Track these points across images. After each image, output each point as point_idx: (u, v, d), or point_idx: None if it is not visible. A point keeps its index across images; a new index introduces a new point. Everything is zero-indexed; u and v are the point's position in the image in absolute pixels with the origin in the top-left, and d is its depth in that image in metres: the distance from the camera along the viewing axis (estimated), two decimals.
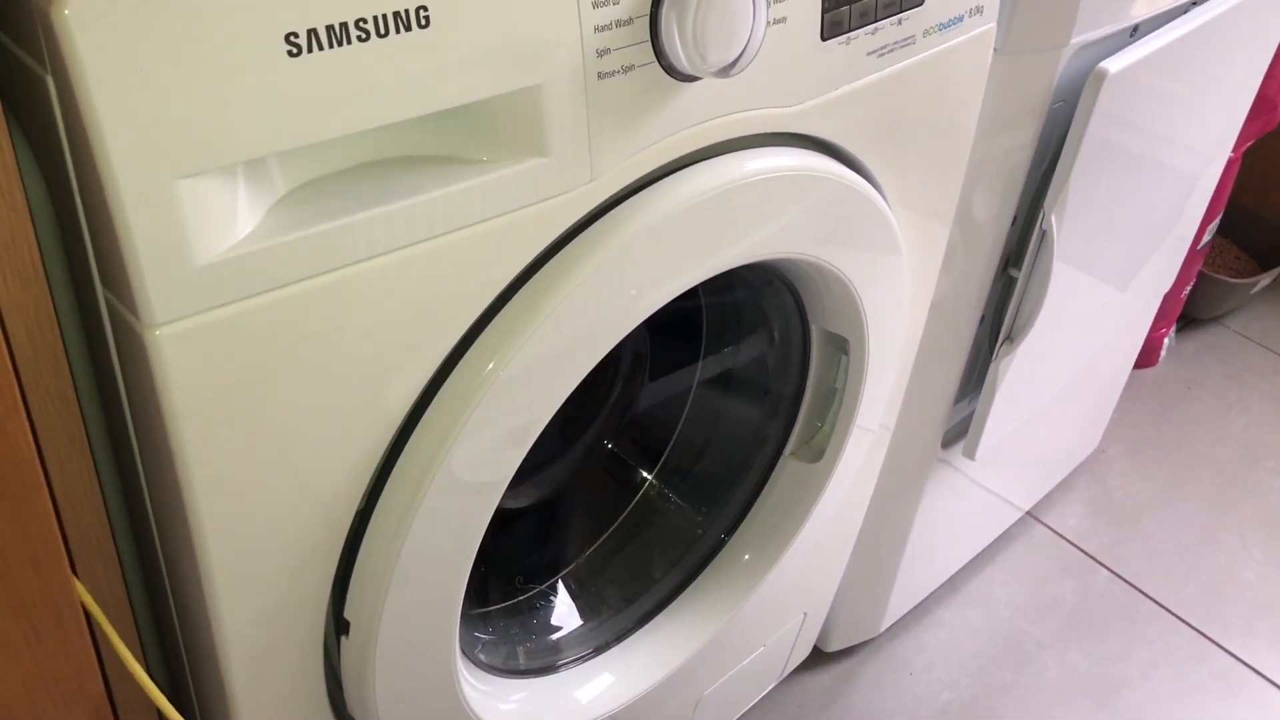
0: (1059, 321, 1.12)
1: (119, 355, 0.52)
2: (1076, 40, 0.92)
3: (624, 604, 0.93)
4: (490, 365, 0.60)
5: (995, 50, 0.89)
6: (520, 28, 0.54)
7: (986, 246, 1.03)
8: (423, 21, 0.51)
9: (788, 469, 0.96)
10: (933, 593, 1.46)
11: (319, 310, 0.53)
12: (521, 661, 0.81)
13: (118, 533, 0.59)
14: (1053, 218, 1.00)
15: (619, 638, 0.89)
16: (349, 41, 0.49)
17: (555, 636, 0.87)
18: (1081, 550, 1.56)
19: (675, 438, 0.96)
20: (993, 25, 0.83)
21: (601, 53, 0.58)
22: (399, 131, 0.55)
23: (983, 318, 1.11)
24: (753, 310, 0.91)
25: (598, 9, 0.57)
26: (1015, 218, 1.04)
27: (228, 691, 0.63)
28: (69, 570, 0.50)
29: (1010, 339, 1.09)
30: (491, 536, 0.89)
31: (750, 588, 0.95)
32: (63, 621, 0.52)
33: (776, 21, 0.66)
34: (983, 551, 1.53)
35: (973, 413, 1.15)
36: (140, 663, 0.58)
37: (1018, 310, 1.08)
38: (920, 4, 0.74)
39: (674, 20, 0.58)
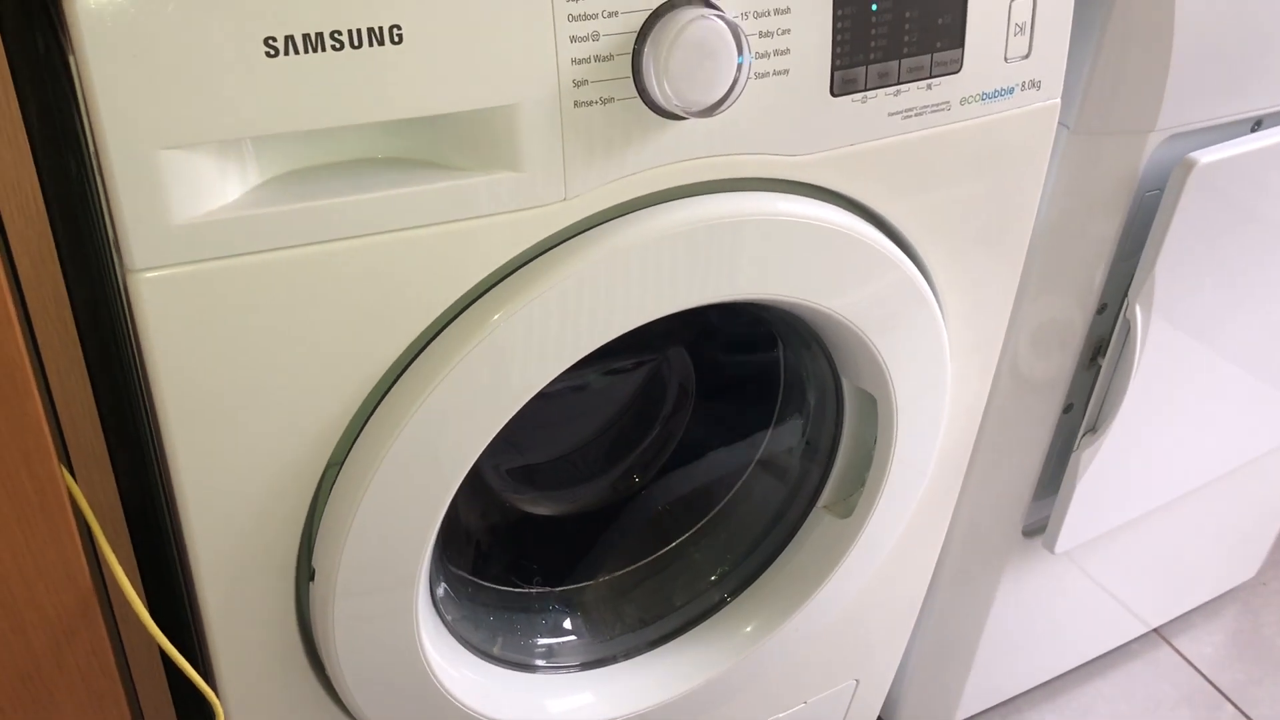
0: (1160, 416, 1.07)
1: (124, 296, 0.62)
2: (1167, 127, 0.89)
3: (639, 624, 0.97)
4: (453, 355, 0.66)
5: (1066, 128, 0.88)
6: (494, 53, 0.60)
7: (1068, 332, 1.01)
8: (396, 38, 0.58)
9: (819, 522, 0.97)
10: (1024, 693, 1.40)
11: (288, 280, 0.61)
12: (497, 650, 0.86)
13: (120, 457, 0.69)
14: (1137, 308, 0.96)
15: (613, 659, 0.93)
16: (323, 49, 0.57)
17: (545, 640, 0.91)
18: (1210, 682, 1.45)
19: (712, 485, 1.00)
20: (1055, 102, 0.83)
21: (579, 83, 0.63)
22: (384, 133, 0.63)
23: (1070, 406, 1.07)
24: (795, 368, 0.93)
25: (576, 43, 0.62)
26: (1104, 305, 1.01)
27: (205, 621, 0.71)
28: (56, 464, 0.60)
29: (1094, 430, 1.06)
30: (519, 536, 0.95)
31: (764, 635, 0.96)
32: (49, 510, 0.61)
33: (778, 73, 0.69)
34: (1093, 661, 1.45)
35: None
36: (126, 568, 0.67)
37: (1102, 401, 1.04)
38: (955, 71, 0.76)
39: (652, 61, 0.63)
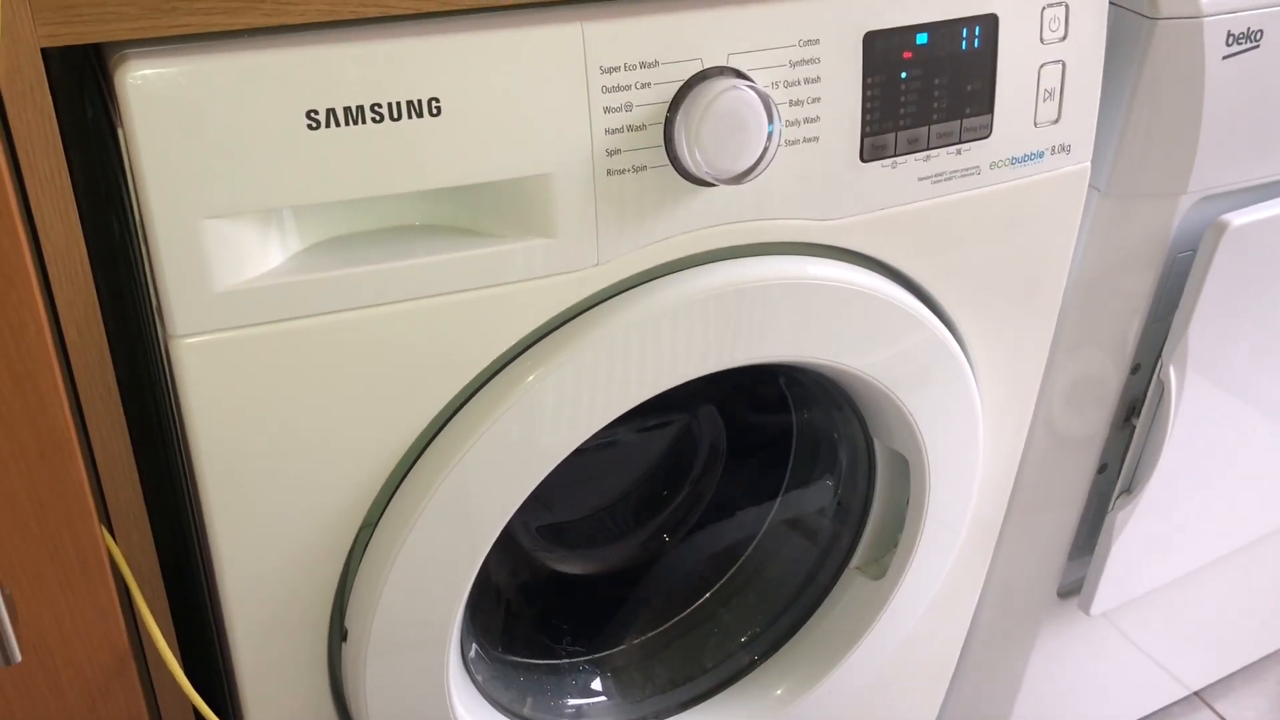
0: (1197, 477, 1.06)
1: (165, 359, 0.63)
2: (1199, 190, 0.90)
3: (669, 686, 0.96)
4: (486, 418, 0.66)
5: (1097, 190, 0.88)
6: (531, 125, 0.62)
7: (1102, 392, 1.00)
8: (434, 110, 0.59)
9: (851, 583, 0.96)
10: None
11: (327, 345, 0.62)
12: (527, 711, 0.86)
13: (160, 520, 0.70)
14: (1171, 370, 0.96)
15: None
16: (364, 122, 0.58)
17: (575, 701, 0.91)
18: None
19: (742, 545, 1.00)
20: (1085, 165, 0.83)
21: (612, 152, 0.64)
22: (421, 200, 0.64)
23: (1104, 466, 1.07)
24: (827, 429, 0.94)
25: (610, 114, 0.64)
26: (1138, 365, 1.00)
27: (238, 677, 0.72)
28: (98, 528, 0.61)
29: (1129, 492, 1.05)
30: (549, 596, 0.95)
31: (796, 698, 0.96)
32: (89, 571, 0.62)
33: (808, 140, 0.70)
34: None
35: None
36: (162, 628, 0.68)
37: (1137, 462, 1.03)
38: (984, 136, 0.76)
39: (684, 131, 0.64)
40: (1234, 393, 1.02)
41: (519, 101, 0.61)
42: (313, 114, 0.57)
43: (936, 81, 0.73)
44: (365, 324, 0.63)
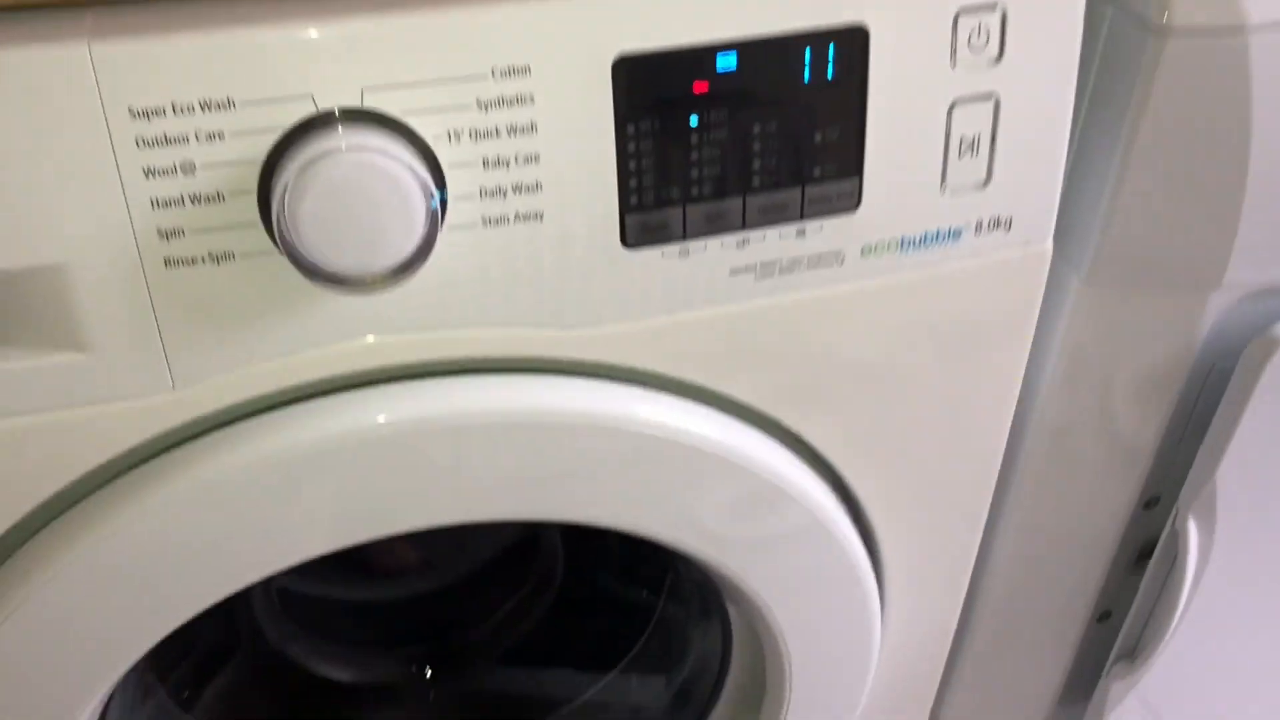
0: (1219, 655, 0.77)
1: None
2: (1240, 283, 0.60)
3: None
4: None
5: (1076, 276, 0.60)
6: (14, 190, 0.40)
7: (1098, 534, 0.73)
8: None
9: None
10: None
11: None
12: None
13: None
14: (1190, 522, 0.67)
15: None
16: None
17: None
18: None
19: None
20: (1043, 248, 0.55)
21: (167, 233, 0.42)
22: None
23: (1106, 614, 0.79)
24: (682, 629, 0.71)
25: (155, 179, 0.41)
26: (1156, 498, 0.72)
27: None
28: None
29: (1130, 658, 0.77)
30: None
31: None
32: None
33: (523, 218, 0.46)
34: None
35: None
36: None
37: (1145, 621, 0.75)
38: (847, 209, 0.50)
39: (280, 209, 0.41)
40: (1275, 554, 0.72)
41: None
42: None
43: (756, 128, 0.47)
44: None
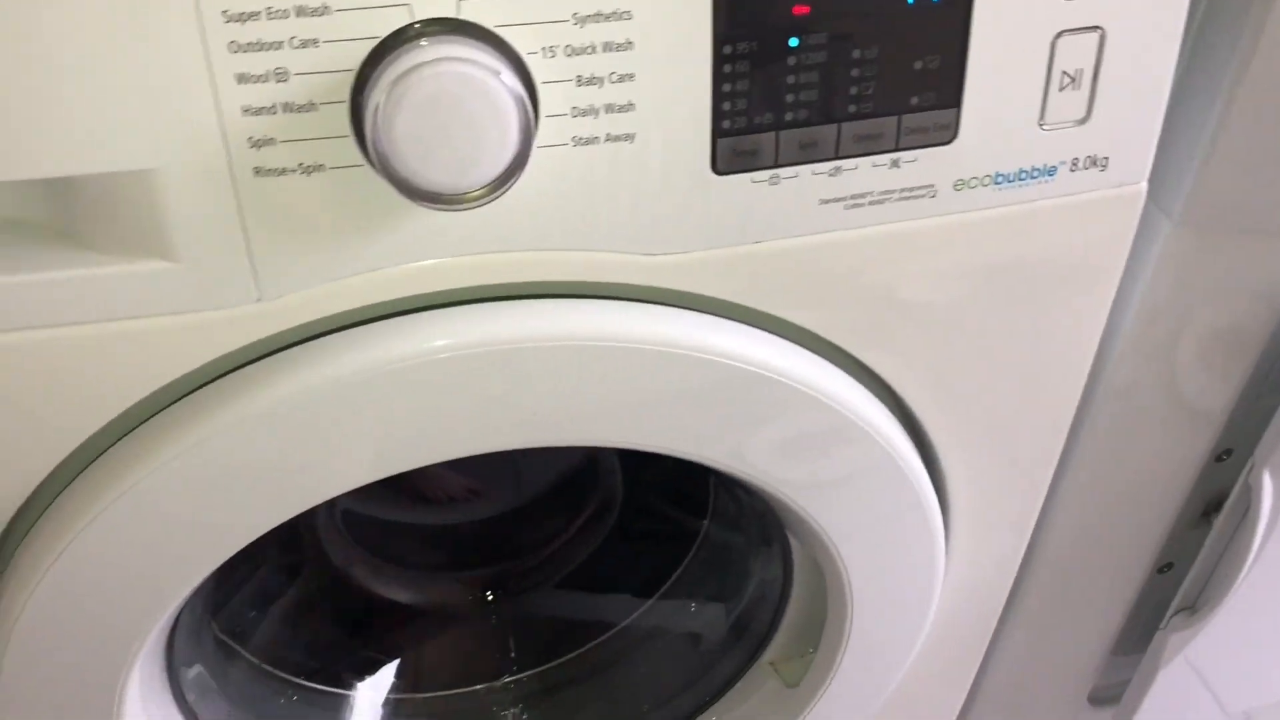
0: (1275, 610, 0.76)
1: None
2: None
3: None
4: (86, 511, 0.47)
5: (1167, 219, 0.58)
6: (104, 94, 0.40)
7: (1168, 482, 0.72)
8: None
9: (765, 680, 0.74)
10: None
11: None
12: None
13: None
14: (1265, 476, 0.66)
15: None
16: None
17: None
18: None
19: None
20: (1139, 188, 0.54)
21: (258, 142, 0.42)
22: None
23: (1168, 565, 0.78)
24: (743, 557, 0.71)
25: (247, 85, 0.41)
26: (1229, 451, 0.71)
27: None
28: None
29: (1191, 609, 0.76)
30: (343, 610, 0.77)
31: None
32: None
33: (614, 139, 0.45)
34: None
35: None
36: None
37: (1209, 575, 0.75)
38: (944, 141, 0.49)
39: (374, 123, 0.41)
40: None
41: (79, 56, 0.39)
42: None
43: (856, 54, 0.46)
44: None
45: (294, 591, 0.72)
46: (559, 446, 0.53)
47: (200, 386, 0.47)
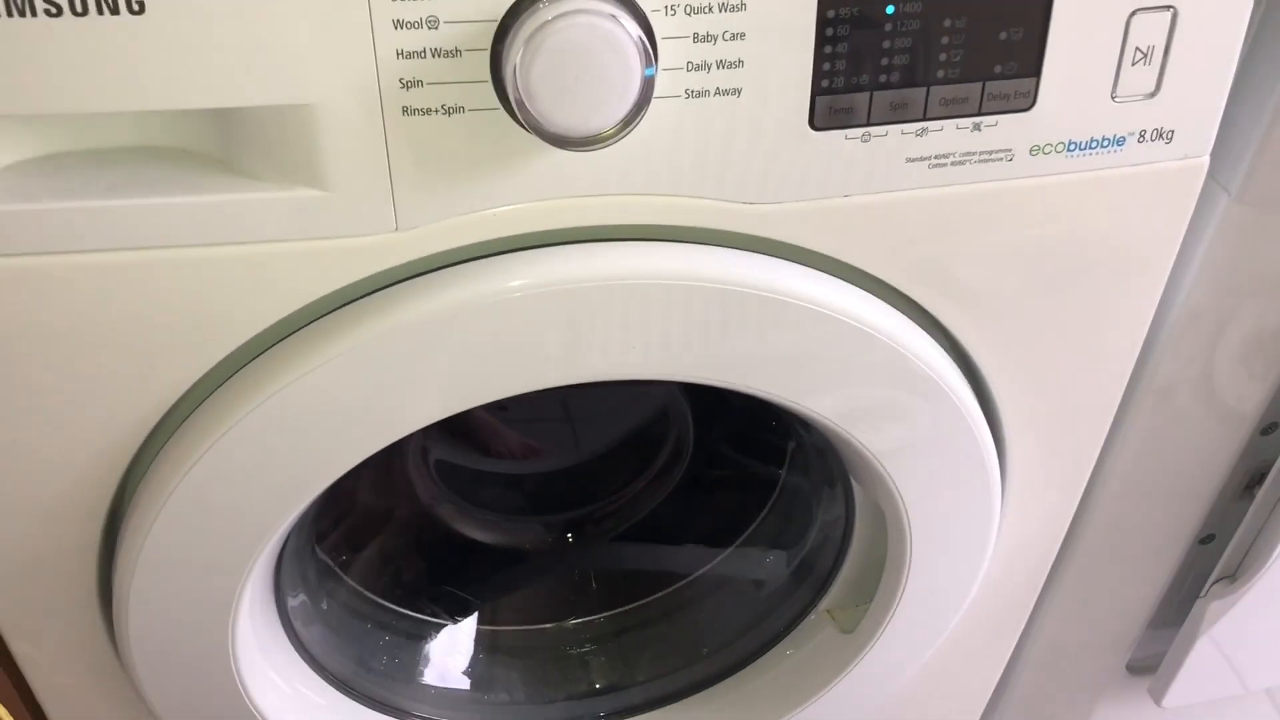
0: None
1: None
2: None
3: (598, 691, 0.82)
4: (226, 420, 0.52)
5: (1226, 193, 0.62)
6: (276, 35, 0.45)
7: (1214, 453, 0.75)
8: (135, 7, 0.43)
9: (821, 627, 0.78)
10: None
11: (32, 293, 0.49)
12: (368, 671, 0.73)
13: None
14: None
15: None
16: (33, 14, 0.43)
17: (430, 681, 0.77)
18: None
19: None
20: (1201, 162, 0.57)
21: (408, 83, 0.46)
22: (159, 119, 0.48)
23: (1210, 537, 0.82)
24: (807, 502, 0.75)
25: (403, 30, 0.45)
26: (1273, 425, 0.74)
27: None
28: None
29: (1231, 578, 0.80)
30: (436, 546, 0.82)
31: None
32: None
33: (723, 93, 0.49)
34: None
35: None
36: None
37: (1250, 545, 0.78)
38: (1023, 108, 0.53)
39: (512, 68, 0.45)
40: None
41: (257, 1, 0.44)
42: None
43: (947, 23, 0.50)
44: (66, 273, 0.49)
45: (389, 530, 0.77)
46: (640, 396, 0.58)
47: (334, 309, 0.52)
